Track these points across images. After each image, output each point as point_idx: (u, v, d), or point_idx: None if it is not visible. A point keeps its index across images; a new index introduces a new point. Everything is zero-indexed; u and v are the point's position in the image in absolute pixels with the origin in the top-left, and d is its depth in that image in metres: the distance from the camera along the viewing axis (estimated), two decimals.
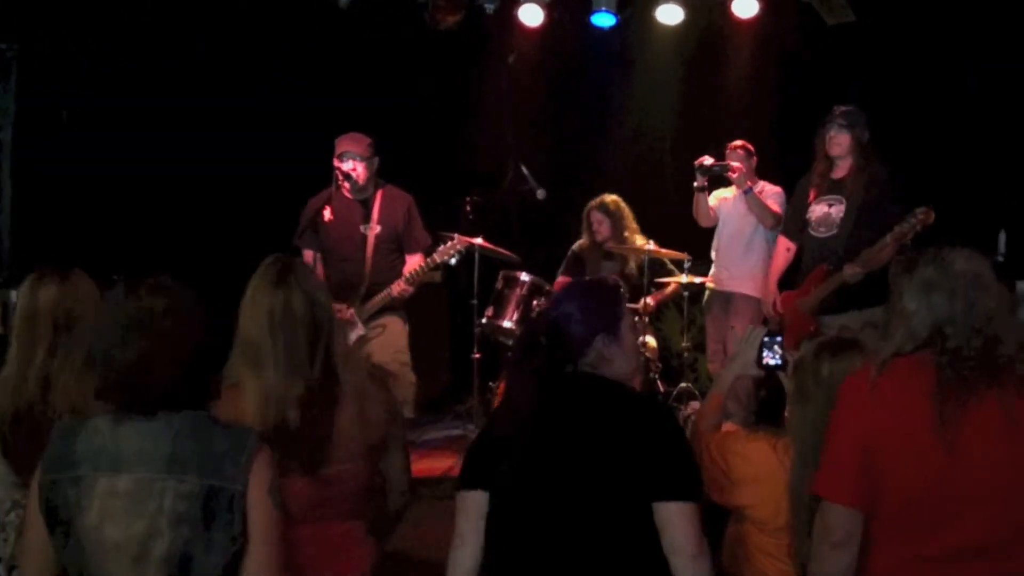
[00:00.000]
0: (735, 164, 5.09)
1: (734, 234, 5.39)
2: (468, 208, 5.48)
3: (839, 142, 4.39)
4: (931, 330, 1.97)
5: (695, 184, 5.27)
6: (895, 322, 2.00)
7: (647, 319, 5.46)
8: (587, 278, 2.79)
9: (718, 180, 5.38)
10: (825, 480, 2.00)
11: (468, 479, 2.09)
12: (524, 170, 5.47)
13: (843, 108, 4.44)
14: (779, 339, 2.55)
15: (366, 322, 4.59)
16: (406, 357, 4.69)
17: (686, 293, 5.50)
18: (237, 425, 1.89)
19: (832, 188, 4.45)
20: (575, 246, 5.92)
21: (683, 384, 5.54)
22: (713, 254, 5.50)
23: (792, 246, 4.74)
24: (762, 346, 2.57)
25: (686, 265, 5.43)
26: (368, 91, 5.88)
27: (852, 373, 2.09)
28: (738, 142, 5.31)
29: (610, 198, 5.72)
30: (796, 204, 4.68)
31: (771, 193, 5.28)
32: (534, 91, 6.41)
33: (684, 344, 5.58)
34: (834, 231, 4.43)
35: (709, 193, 5.37)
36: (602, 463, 1.96)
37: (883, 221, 4.28)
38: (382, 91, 5.97)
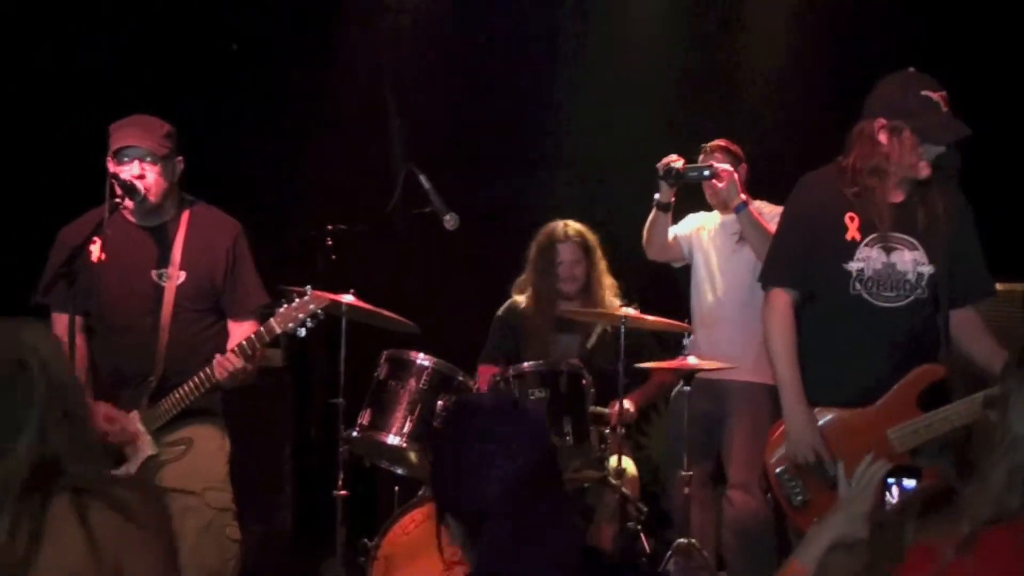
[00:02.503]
0: (722, 167, 5.24)
1: (729, 284, 5.60)
2: (329, 244, 5.62)
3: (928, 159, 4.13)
4: None
5: (656, 197, 5.45)
6: (992, 460, 2.11)
7: (622, 430, 5.34)
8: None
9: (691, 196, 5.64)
10: None
11: None
12: (424, 183, 5.41)
13: (936, 88, 4.15)
14: (914, 483, 2.67)
15: (158, 434, 4.51)
16: (226, 495, 4.61)
17: (687, 388, 5.44)
18: None
19: (892, 218, 4.20)
20: (506, 308, 5.89)
21: (681, 540, 5.42)
22: (694, 319, 5.71)
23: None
24: (885, 491, 2.67)
25: (686, 342, 5.46)
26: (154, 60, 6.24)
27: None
28: (719, 141, 5.62)
29: (575, 226, 5.75)
30: (811, 231, 4.30)
31: (773, 216, 5.20)
32: (436, 71, 6.91)
33: (684, 472, 5.45)
34: (912, 296, 4.19)
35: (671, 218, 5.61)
36: None
37: (974, 272, 4.24)
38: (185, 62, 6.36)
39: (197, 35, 6.67)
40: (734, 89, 6.82)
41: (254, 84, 6.74)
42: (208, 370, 4.41)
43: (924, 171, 4.09)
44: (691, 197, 5.66)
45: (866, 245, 4.15)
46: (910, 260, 4.16)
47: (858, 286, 4.16)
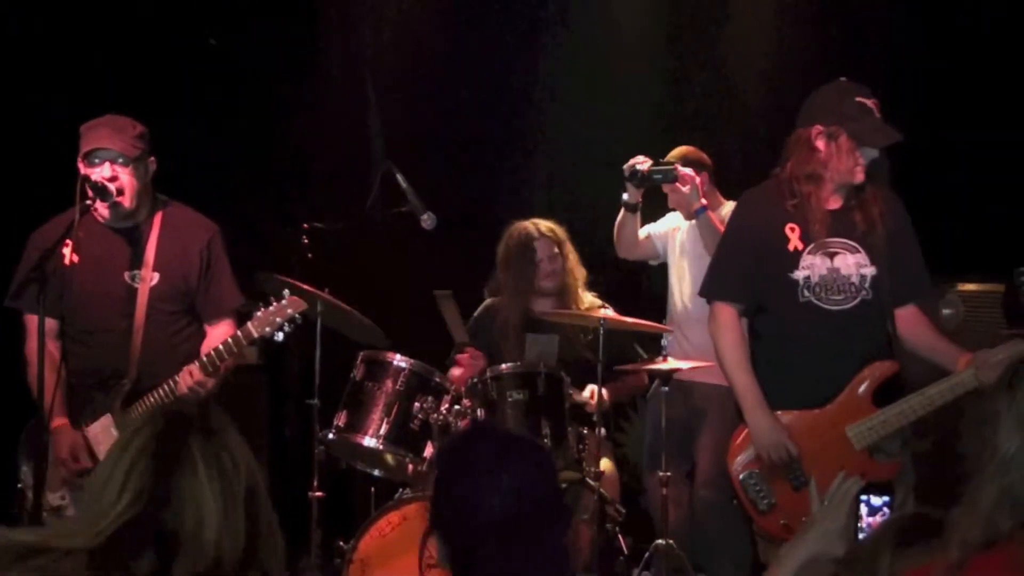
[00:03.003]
0: (686, 171, 5.34)
1: (698, 288, 5.46)
2: (305, 243, 5.58)
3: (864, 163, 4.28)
4: None
5: (624, 198, 5.53)
6: (980, 481, 2.09)
7: (602, 431, 5.27)
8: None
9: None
10: None
11: None
12: (401, 182, 5.42)
13: (870, 100, 4.29)
14: (887, 499, 2.70)
15: None
16: None
17: (665, 388, 5.37)
18: None
19: (832, 225, 4.32)
20: (481, 310, 5.86)
21: (660, 541, 5.35)
22: (669, 318, 5.76)
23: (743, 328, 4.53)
24: (858, 508, 2.65)
25: (665, 343, 5.39)
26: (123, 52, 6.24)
27: None
28: (684, 149, 5.66)
29: (546, 223, 5.75)
30: (755, 247, 4.42)
31: None
32: (417, 68, 6.85)
33: (661, 473, 5.35)
34: (859, 298, 4.30)
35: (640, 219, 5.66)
36: None
37: (913, 272, 4.32)
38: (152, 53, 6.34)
39: (173, 30, 6.62)
40: (718, 85, 6.83)
41: (232, 81, 6.70)
42: (173, 380, 4.40)
43: (860, 175, 4.21)
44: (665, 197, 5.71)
45: (808, 253, 4.28)
46: (853, 263, 4.28)
47: (807, 293, 4.28)
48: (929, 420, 4.28)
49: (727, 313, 4.43)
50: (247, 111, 6.64)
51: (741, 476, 4.25)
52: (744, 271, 4.43)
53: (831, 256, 4.30)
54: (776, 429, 4.23)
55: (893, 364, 4.27)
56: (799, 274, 4.29)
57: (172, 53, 6.50)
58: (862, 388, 4.23)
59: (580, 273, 5.76)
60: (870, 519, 2.70)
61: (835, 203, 4.32)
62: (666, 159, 5.53)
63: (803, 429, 4.27)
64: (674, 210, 5.72)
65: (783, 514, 4.17)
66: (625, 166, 5.34)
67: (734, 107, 6.67)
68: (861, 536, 2.66)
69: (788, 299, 4.29)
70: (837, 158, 4.19)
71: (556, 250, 5.68)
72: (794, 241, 4.31)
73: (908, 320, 4.28)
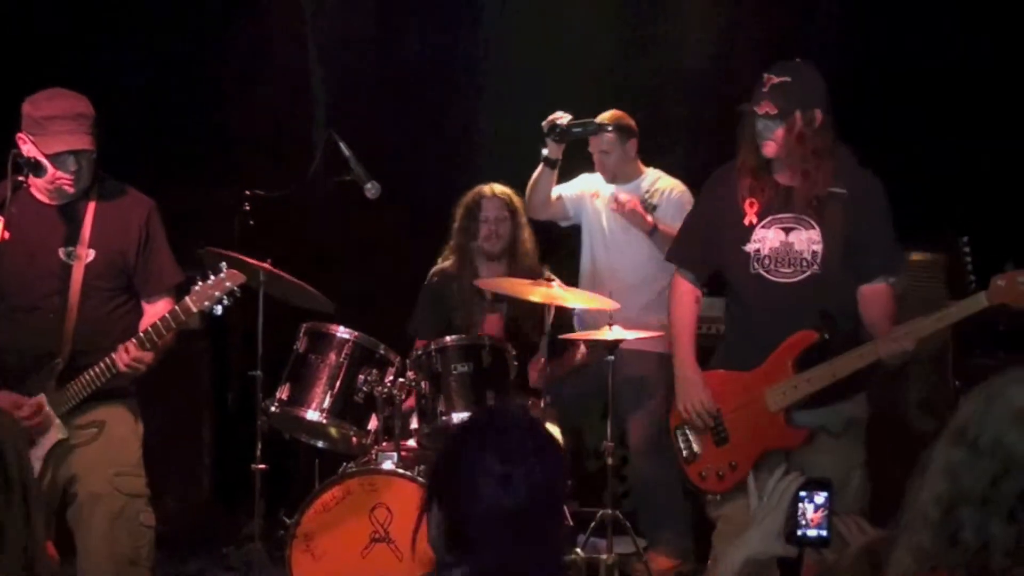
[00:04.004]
0: (623, 198, 5.57)
1: (622, 253, 5.78)
2: (247, 209, 5.59)
3: (772, 139, 4.36)
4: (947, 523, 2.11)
5: (544, 153, 5.65)
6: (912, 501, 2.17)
7: (548, 399, 5.29)
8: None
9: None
10: None
11: None
12: (344, 150, 5.40)
13: (777, 77, 4.37)
14: (827, 495, 2.61)
15: (67, 417, 4.43)
16: (138, 480, 4.57)
17: (610, 358, 5.38)
18: None
19: (785, 201, 4.42)
20: (431, 276, 5.86)
21: (605, 511, 5.40)
22: (583, 280, 5.89)
23: (699, 295, 4.70)
24: (797, 506, 2.59)
25: (612, 315, 5.36)
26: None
27: None
28: (614, 112, 5.69)
29: (501, 187, 5.78)
30: (712, 226, 4.59)
31: (674, 202, 5.67)
32: (360, 25, 6.84)
33: (607, 442, 5.41)
34: (808, 271, 4.37)
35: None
36: None
37: (879, 248, 4.34)
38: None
39: None
40: (671, 57, 6.82)
41: (176, 43, 6.64)
42: (111, 357, 4.35)
43: (765, 149, 4.34)
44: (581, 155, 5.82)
45: (762, 227, 4.42)
46: (806, 239, 4.37)
47: (756, 265, 4.43)
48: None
49: (679, 280, 4.66)
50: (192, 77, 6.62)
51: (675, 426, 4.46)
52: (702, 242, 4.63)
53: (787, 231, 4.40)
54: (695, 386, 4.47)
55: (813, 333, 4.33)
56: (750, 247, 4.42)
57: (122, 14, 6.48)
58: (785, 354, 4.35)
59: (531, 246, 5.77)
60: (812, 516, 2.64)
61: (791, 179, 4.40)
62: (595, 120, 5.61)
63: (729, 388, 4.47)
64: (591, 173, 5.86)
65: (702, 466, 4.39)
66: (544, 121, 5.46)
67: (682, 75, 6.72)
68: (800, 532, 2.62)
69: (742, 270, 4.45)
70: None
71: (505, 213, 5.69)
72: (750, 216, 4.45)
73: (866, 297, 4.34)
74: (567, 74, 6.61)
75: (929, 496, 2.16)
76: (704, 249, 4.61)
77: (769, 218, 4.41)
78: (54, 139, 4.31)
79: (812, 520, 2.60)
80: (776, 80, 4.33)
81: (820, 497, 2.61)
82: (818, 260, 4.33)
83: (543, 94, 6.47)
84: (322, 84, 6.79)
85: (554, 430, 5.32)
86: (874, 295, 4.34)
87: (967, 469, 2.13)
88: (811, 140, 4.29)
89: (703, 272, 4.64)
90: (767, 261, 4.40)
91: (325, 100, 6.73)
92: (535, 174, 5.71)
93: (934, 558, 2.13)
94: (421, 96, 6.97)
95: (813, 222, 4.35)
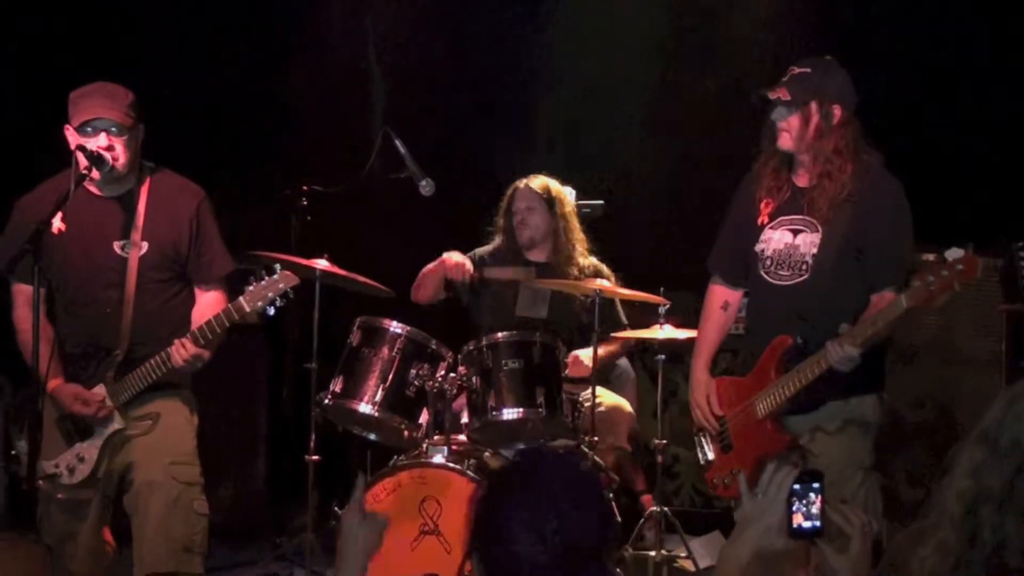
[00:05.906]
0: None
1: None
2: (304, 205, 5.67)
3: (786, 128, 4.30)
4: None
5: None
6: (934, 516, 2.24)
7: (597, 402, 5.29)
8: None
9: None
10: None
11: None
12: (400, 147, 5.45)
13: (798, 68, 4.34)
14: (816, 486, 2.58)
15: (124, 408, 4.46)
16: (193, 469, 4.58)
17: (661, 357, 5.49)
18: None
19: (798, 202, 4.35)
20: (494, 246, 5.94)
21: (654, 508, 5.53)
22: None
23: (733, 297, 4.63)
24: (791, 500, 2.57)
25: (662, 311, 5.46)
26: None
27: None
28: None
29: (540, 178, 5.81)
30: (738, 226, 4.54)
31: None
32: (419, 32, 6.86)
33: (657, 440, 5.53)
34: (803, 276, 4.30)
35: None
36: None
37: (884, 256, 4.23)
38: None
39: None
40: (722, 47, 6.80)
41: (232, 40, 6.68)
42: (167, 351, 4.36)
43: (780, 142, 4.29)
44: None
45: (770, 228, 4.37)
46: (810, 242, 4.30)
47: (760, 267, 4.41)
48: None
49: (711, 285, 4.66)
50: (249, 75, 6.65)
51: (695, 432, 4.48)
52: (731, 244, 4.60)
53: (795, 233, 4.34)
54: (698, 387, 4.51)
55: (785, 338, 4.30)
56: (759, 247, 4.41)
57: (164, 7, 6.53)
58: (768, 360, 4.32)
59: (577, 236, 5.78)
60: (806, 507, 2.60)
61: (809, 181, 4.35)
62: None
63: (732, 394, 4.45)
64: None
65: (715, 473, 4.39)
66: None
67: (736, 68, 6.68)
68: (795, 525, 2.59)
69: (753, 271, 4.45)
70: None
71: (536, 202, 5.73)
72: (763, 215, 4.42)
73: (873, 306, 4.21)
74: (623, 71, 6.65)
75: (954, 494, 2.24)
76: (732, 251, 4.58)
77: (779, 219, 4.37)
78: (84, 112, 4.34)
79: (805, 512, 2.58)
80: (797, 71, 4.30)
81: (812, 488, 2.59)
82: (815, 264, 4.29)
83: (605, 91, 6.49)
84: (380, 82, 6.82)
85: (623, 401, 5.58)
86: (879, 304, 4.22)
87: (988, 469, 2.21)
88: (830, 136, 4.22)
89: (735, 273, 4.58)
90: (768, 263, 4.37)
91: (382, 98, 6.77)
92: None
93: (957, 555, 2.20)
94: (478, 93, 7.00)
95: (819, 225, 4.30)
